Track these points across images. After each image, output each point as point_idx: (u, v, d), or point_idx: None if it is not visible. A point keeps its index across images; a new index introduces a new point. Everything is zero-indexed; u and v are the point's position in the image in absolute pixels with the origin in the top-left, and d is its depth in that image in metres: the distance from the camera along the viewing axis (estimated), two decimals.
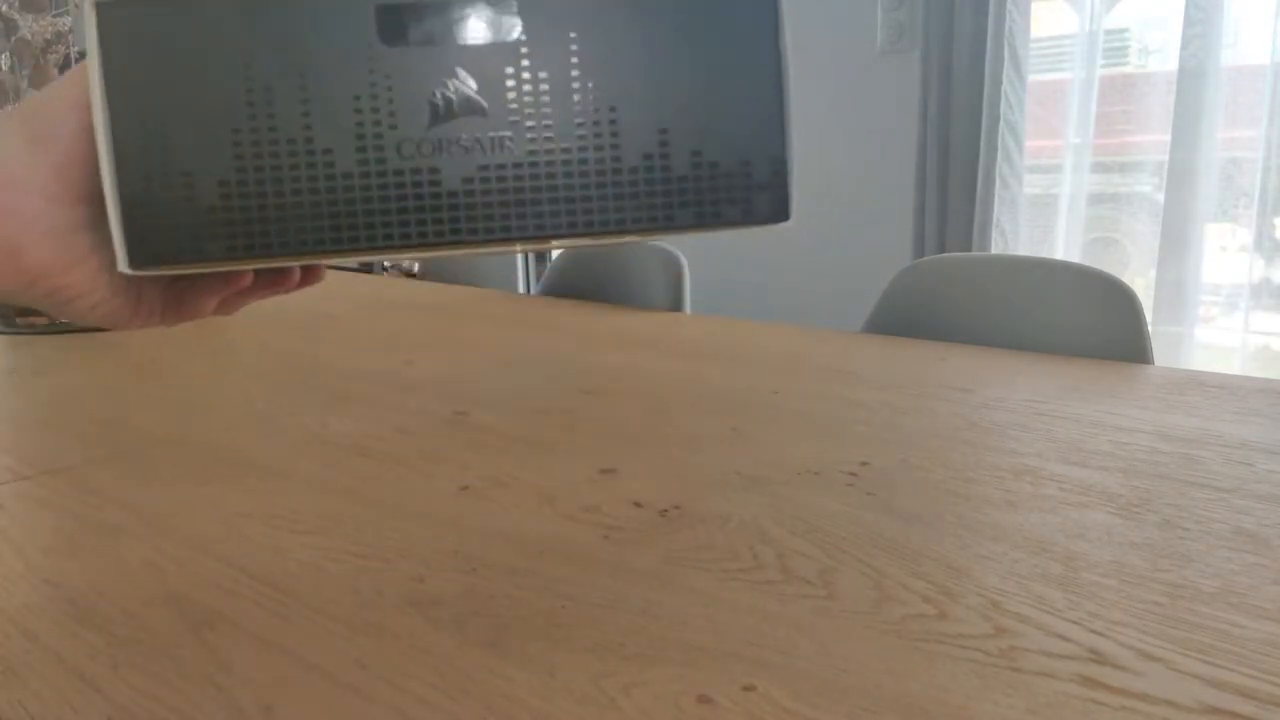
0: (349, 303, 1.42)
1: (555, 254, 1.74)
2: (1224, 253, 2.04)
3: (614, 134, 0.33)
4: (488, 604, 0.46)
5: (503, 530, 0.54)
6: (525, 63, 0.32)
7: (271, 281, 0.39)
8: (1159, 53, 2.08)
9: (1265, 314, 1.99)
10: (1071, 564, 0.49)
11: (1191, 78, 1.93)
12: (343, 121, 0.32)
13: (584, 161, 0.33)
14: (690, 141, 0.33)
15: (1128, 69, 2.12)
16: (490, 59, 0.32)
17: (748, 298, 2.53)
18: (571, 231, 0.33)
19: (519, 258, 2.21)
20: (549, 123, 0.32)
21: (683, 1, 0.33)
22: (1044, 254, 2.20)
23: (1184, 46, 1.93)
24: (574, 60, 0.32)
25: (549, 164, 0.33)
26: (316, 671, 0.40)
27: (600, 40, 0.32)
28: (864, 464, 0.65)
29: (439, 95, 0.32)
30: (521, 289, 2.09)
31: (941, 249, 2.22)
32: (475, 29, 0.32)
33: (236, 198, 0.32)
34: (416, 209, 0.32)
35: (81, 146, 0.33)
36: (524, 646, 0.42)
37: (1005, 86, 2.11)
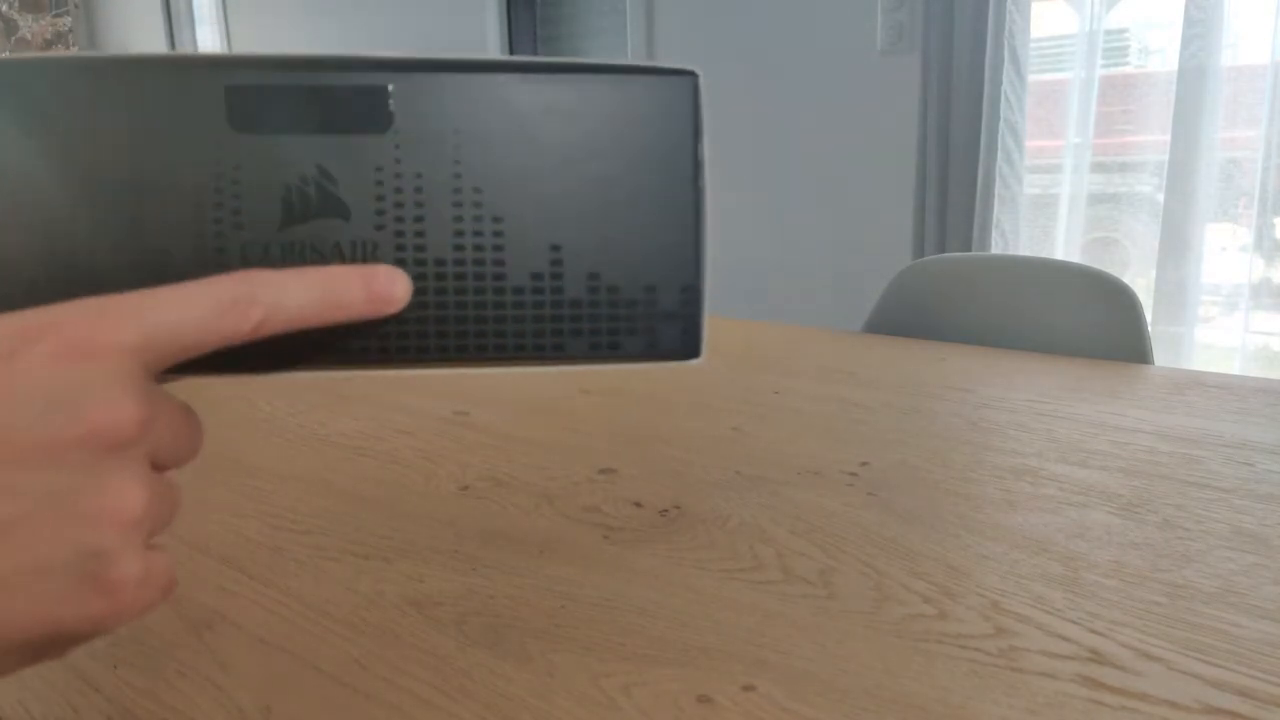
0: None
1: None
2: (1224, 253, 2.04)
3: (497, 248, 0.28)
4: (488, 604, 0.46)
5: (503, 530, 0.54)
6: (398, 161, 0.27)
7: None
8: (1159, 53, 2.08)
9: (1265, 314, 1.99)
10: (1071, 564, 0.49)
11: (1191, 78, 1.93)
12: (181, 218, 0.27)
13: (461, 278, 0.28)
14: (586, 262, 0.29)
15: (1128, 69, 2.12)
16: (358, 154, 0.27)
17: (748, 298, 2.54)
18: (440, 357, 0.28)
19: None
20: (420, 229, 0.28)
21: (587, 103, 0.29)
22: (1044, 254, 2.19)
23: (1184, 46, 1.93)
24: (456, 162, 0.28)
25: (420, 278, 0.28)
26: (316, 671, 0.40)
27: (488, 140, 0.28)
28: (864, 464, 0.65)
29: (294, 192, 0.27)
30: None
31: (941, 249, 2.22)
32: (342, 118, 0.27)
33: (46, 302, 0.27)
34: None
35: None
36: (524, 646, 0.42)
37: (1005, 86, 2.11)
